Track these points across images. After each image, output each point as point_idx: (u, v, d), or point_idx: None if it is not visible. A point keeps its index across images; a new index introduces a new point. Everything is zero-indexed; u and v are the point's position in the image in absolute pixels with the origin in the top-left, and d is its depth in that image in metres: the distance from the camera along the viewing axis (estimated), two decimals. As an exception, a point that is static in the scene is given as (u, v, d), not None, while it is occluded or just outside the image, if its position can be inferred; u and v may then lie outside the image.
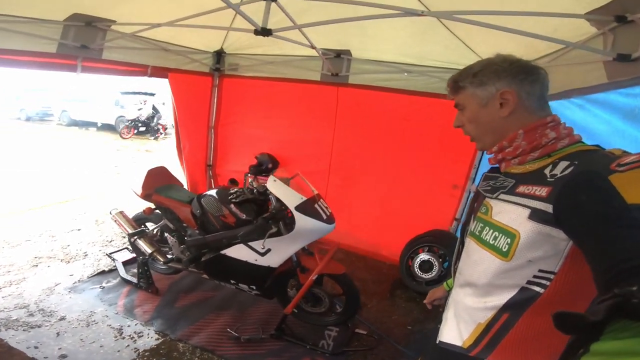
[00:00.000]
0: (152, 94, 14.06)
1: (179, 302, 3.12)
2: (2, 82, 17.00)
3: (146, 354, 2.48)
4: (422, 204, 3.95)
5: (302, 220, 2.46)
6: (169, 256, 3.19)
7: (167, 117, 13.82)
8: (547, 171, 0.88)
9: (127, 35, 3.24)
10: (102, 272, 3.48)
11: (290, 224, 2.52)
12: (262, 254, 2.54)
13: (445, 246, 3.51)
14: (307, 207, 2.52)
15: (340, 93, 4.18)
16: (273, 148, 4.57)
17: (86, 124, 14.33)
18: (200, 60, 4.39)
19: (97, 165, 8.22)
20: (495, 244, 0.93)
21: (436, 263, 3.48)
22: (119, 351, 2.48)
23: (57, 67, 3.00)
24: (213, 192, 2.89)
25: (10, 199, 5.31)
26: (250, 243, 2.58)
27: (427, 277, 3.50)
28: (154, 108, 13.49)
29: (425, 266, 3.52)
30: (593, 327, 0.50)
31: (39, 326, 2.63)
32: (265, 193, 2.71)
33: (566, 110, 2.41)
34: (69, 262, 3.64)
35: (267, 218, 2.50)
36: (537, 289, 0.88)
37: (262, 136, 4.61)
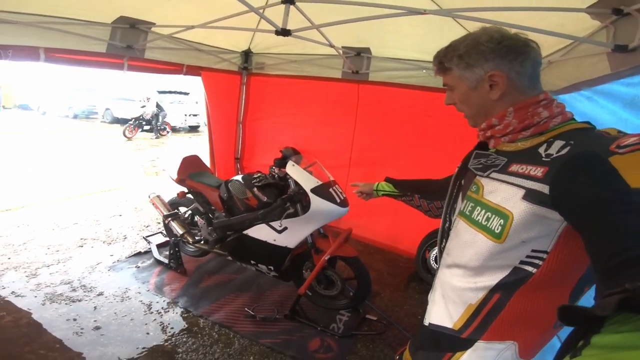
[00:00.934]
0: (187, 93, 14.67)
1: (203, 283, 3.32)
2: (54, 83, 18.22)
3: (170, 327, 2.68)
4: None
5: (317, 202, 2.61)
6: (197, 238, 3.41)
7: (201, 116, 14.37)
8: (541, 150, 0.83)
9: (165, 36, 3.49)
10: (139, 253, 3.75)
11: (306, 206, 2.67)
12: (280, 232, 2.69)
13: None
14: (322, 191, 2.67)
15: (361, 90, 4.26)
16: (297, 143, 4.72)
17: (126, 122, 15.08)
18: (230, 59, 4.60)
19: (135, 158, 8.69)
20: (488, 225, 0.88)
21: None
22: (146, 324, 2.68)
23: (106, 66, 3.27)
24: (239, 177, 3.08)
25: (61, 187, 5.75)
26: (270, 223, 2.74)
27: (441, 267, 3.52)
28: (157, 106, 12.79)
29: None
30: (596, 320, 0.47)
31: (80, 300, 2.88)
32: (285, 178, 2.87)
33: (576, 103, 2.41)
34: (110, 243, 3.94)
35: (286, 199, 2.69)
36: (530, 268, 0.84)
37: (286, 131, 4.78)
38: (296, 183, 2.71)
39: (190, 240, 3.35)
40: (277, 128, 4.86)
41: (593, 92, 2.26)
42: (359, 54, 4.04)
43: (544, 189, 0.77)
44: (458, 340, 0.97)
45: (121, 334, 2.56)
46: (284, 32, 2.56)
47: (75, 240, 3.94)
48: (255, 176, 2.97)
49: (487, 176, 0.94)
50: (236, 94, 4.92)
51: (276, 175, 2.93)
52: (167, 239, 4.02)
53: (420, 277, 3.70)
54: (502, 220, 0.84)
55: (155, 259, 3.62)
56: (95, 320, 2.67)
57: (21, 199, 4.94)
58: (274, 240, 2.79)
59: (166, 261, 3.53)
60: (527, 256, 0.84)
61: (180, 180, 3.40)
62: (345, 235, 2.81)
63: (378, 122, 4.26)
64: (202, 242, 3.38)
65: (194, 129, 14.83)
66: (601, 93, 2.12)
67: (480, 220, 0.91)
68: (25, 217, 4.41)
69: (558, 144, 0.81)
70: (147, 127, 12.59)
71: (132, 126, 12.08)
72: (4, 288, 2.92)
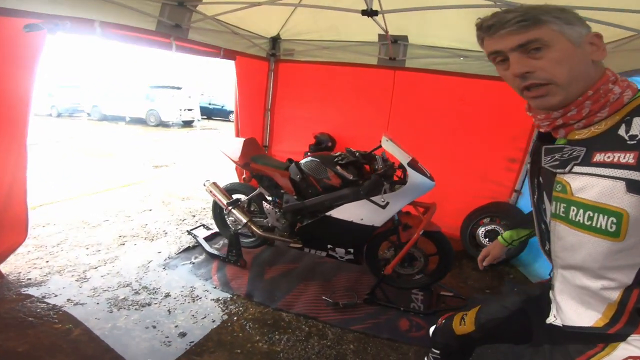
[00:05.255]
0: (179, 88, 13.56)
1: (267, 275, 2.87)
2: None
3: (255, 325, 2.24)
4: (479, 179, 3.72)
5: (414, 176, 2.29)
6: (263, 226, 2.96)
7: (195, 110, 13.39)
8: (622, 132, 0.70)
9: (208, 17, 2.95)
10: (188, 249, 3.20)
11: (394, 183, 2.38)
12: (383, 207, 2.32)
13: (507, 217, 3.31)
14: (416, 165, 2.36)
15: (397, 76, 3.91)
16: (328, 129, 4.28)
17: (115, 119, 13.79)
18: (260, 44, 4.07)
19: (140, 154, 7.83)
20: (594, 225, 0.72)
21: (502, 231, 3.26)
22: (229, 325, 2.22)
23: (155, 44, 2.79)
24: (312, 158, 2.65)
25: (76, 184, 4.96)
26: (372, 198, 2.36)
27: (493, 244, 3.28)
28: None
29: (492, 235, 3.30)
30: None
31: (149, 304, 2.36)
32: (367, 156, 2.54)
33: None
34: (152, 240, 3.36)
35: (381, 174, 2.33)
36: None
37: (317, 118, 4.31)
38: (384, 160, 2.40)
39: (256, 228, 2.87)
40: (306, 115, 4.38)
41: None
42: (396, 42, 3.70)
43: None
44: (605, 336, 0.79)
45: (210, 338, 2.08)
46: (372, 12, 2.32)
47: (113, 238, 3.32)
48: (336, 155, 2.56)
49: (570, 172, 0.77)
50: (264, 81, 4.39)
51: (357, 153, 2.54)
52: (211, 231, 3.52)
53: (469, 255, 3.43)
54: (613, 218, 0.69)
55: (209, 252, 3.10)
56: (176, 326, 2.17)
57: (38, 197, 4.15)
58: (361, 219, 2.41)
59: (220, 254, 3.04)
60: None
61: (244, 164, 2.90)
62: (434, 209, 2.48)
63: (413, 108, 3.94)
64: (268, 230, 2.93)
65: (188, 123, 13.68)
66: None
67: (581, 221, 0.74)
68: (48, 216, 3.69)
69: (638, 121, 0.69)
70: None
71: None
72: (56, 296, 2.32)
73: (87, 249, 3.06)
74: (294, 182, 2.66)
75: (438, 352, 1.35)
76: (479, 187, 3.70)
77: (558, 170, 0.80)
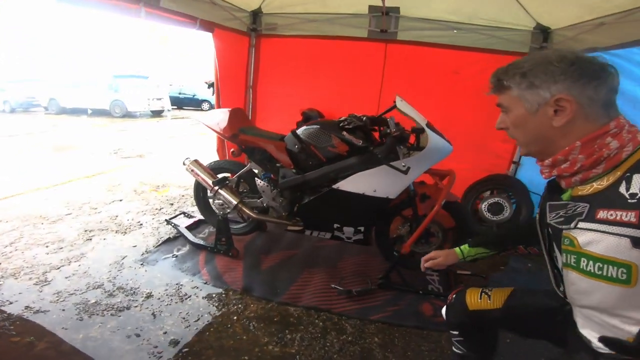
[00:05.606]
0: (146, 77, 12.63)
1: (263, 264, 2.53)
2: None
3: (260, 324, 1.90)
4: (476, 152, 3.57)
5: (434, 139, 2.02)
6: (256, 207, 2.60)
7: (165, 100, 12.55)
8: (622, 190, 0.71)
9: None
10: (168, 240, 2.80)
11: (409, 149, 2.13)
12: (405, 172, 2.01)
13: (509, 187, 3.20)
14: (433, 127, 2.09)
15: (389, 49, 3.66)
16: (316, 105, 3.97)
17: (76, 111, 12.67)
18: (241, 18, 3.68)
19: (106, 145, 7.13)
20: (605, 274, 0.73)
21: (506, 204, 3.11)
22: (230, 326, 1.87)
23: (122, 10, 2.46)
24: (311, 125, 2.32)
25: (30, 178, 4.34)
26: (392, 163, 2.04)
27: (498, 219, 3.13)
28: None
29: (495, 208, 3.15)
30: None
31: (128, 308, 1.97)
32: (377, 120, 2.25)
33: (636, 56, 2.34)
34: (125, 233, 2.92)
35: (397, 137, 2.02)
36: None
37: (304, 95, 3.97)
38: (397, 124, 2.10)
39: (248, 211, 2.50)
40: (292, 92, 4.02)
41: None
42: (387, 14, 3.45)
43: None
44: None
45: (208, 344, 1.74)
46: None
47: (78, 233, 2.86)
48: (340, 119, 2.24)
49: (575, 227, 0.78)
50: (244, 57, 3.98)
51: (364, 117, 2.23)
52: (194, 219, 3.13)
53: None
54: (623, 269, 0.71)
55: (193, 243, 2.72)
56: (165, 332, 1.80)
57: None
58: (374, 191, 2.11)
59: (206, 244, 2.67)
60: None
61: (231, 136, 2.50)
62: (453, 176, 2.22)
63: (406, 82, 3.70)
64: (261, 212, 2.57)
65: (157, 113, 12.73)
66: None
67: (592, 271, 0.75)
68: (-2, 213, 3.15)
69: (637, 179, 0.70)
70: None
71: None
72: (12, 303, 1.90)
73: (46, 247, 2.60)
74: (292, 154, 2.32)
75: (457, 332, 1.29)
76: (477, 161, 3.55)
77: (563, 227, 0.81)
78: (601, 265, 0.73)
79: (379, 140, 2.32)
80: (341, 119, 2.25)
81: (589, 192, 0.77)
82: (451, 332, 1.34)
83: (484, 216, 3.18)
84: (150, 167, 5.21)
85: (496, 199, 3.15)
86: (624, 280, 0.71)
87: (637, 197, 0.69)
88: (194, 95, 15.21)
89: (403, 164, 1.98)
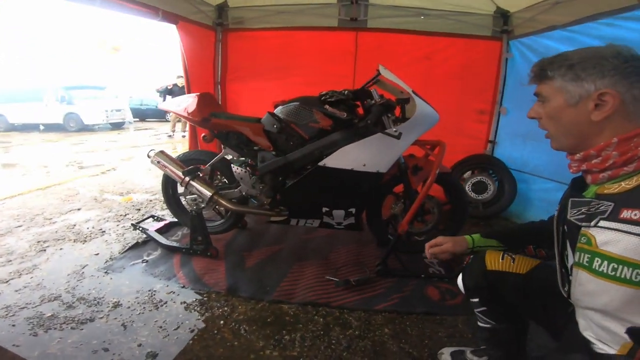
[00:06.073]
0: (102, 88, 11.81)
1: (248, 262, 2.30)
2: None
3: (253, 327, 1.66)
4: (453, 134, 3.52)
5: (422, 105, 1.94)
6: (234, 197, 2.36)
7: (125, 111, 11.80)
8: None
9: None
10: (136, 245, 2.49)
11: (396, 120, 2.02)
12: (397, 137, 1.81)
13: (489, 165, 3.22)
14: (418, 95, 1.99)
15: (360, 38, 3.60)
16: (290, 97, 3.81)
17: (27, 128, 11.59)
18: (206, 11, 3.48)
19: (61, 158, 6.48)
20: (618, 275, 0.71)
21: (489, 182, 3.10)
22: (217, 332, 1.62)
23: None
24: (289, 103, 2.16)
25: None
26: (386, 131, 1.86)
27: (483, 198, 3.10)
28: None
29: (479, 187, 3.13)
30: None
31: (91, 320, 1.67)
32: (360, 93, 2.10)
33: (593, 31, 2.39)
34: (84, 241, 2.56)
35: (385, 105, 1.90)
36: None
37: (277, 88, 3.76)
38: (380, 95, 2.00)
39: (225, 202, 2.26)
40: (264, 86, 3.82)
41: (614, 18, 2.22)
42: (357, 2, 3.42)
43: None
44: None
45: (195, 356, 1.48)
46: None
47: (30, 245, 2.48)
48: (322, 93, 2.08)
49: (596, 225, 0.75)
50: (211, 52, 3.75)
51: (346, 91, 2.08)
52: (164, 222, 2.83)
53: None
54: (638, 271, 0.68)
55: (165, 245, 2.43)
56: (139, 345, 1.52)
57: None
58: (364, 165, 1.96)
59: (180, 245, 2.40)
60: None
61: (202, 120, 2.24)
62: (443, 146, 2.12)
63: None
64: (240, 202, 2.34)
65: (118, 126, 11.81)
66: (625, 18, 2.10)
67: (605, 271, 0.73)
68: None
69: None
70: None
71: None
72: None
73: (-9, 261, 2.21)
74: (271, 135, 2.12)
75: (477, 300, 1.20)
76: (455, 143, 3.48)
77: (583, 224, 0.79)
78: (616, 266, 0.71)
79: (363, 114, 2.18)
80: (322, 92, 2.09)
81: (616, 191, 0.75)
82: (471, 300, 1.21)
83: (469, 196, 3.14)
84: (112, 176, 4.77)
85: (478, 177, 3.14)
86: (637, 282, 0.69)
87: None
88: (157, 106, 14.49)
89: (394, 130, 1.83)
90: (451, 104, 3.55)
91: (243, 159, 2.26)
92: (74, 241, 2.56)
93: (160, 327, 1.65)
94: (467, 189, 3.14)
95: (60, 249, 2.44)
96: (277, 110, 2.15)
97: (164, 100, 9.12)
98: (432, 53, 3.53)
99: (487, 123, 3.52)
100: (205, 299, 1.90)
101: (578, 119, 0.79)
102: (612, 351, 0.78)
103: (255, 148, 2.20)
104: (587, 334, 0.84)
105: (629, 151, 0.74)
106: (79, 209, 3.27)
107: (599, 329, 0.80)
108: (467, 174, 3.25)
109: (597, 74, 0.75)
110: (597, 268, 0.75)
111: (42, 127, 11.65)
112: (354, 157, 1.96)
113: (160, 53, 21.58)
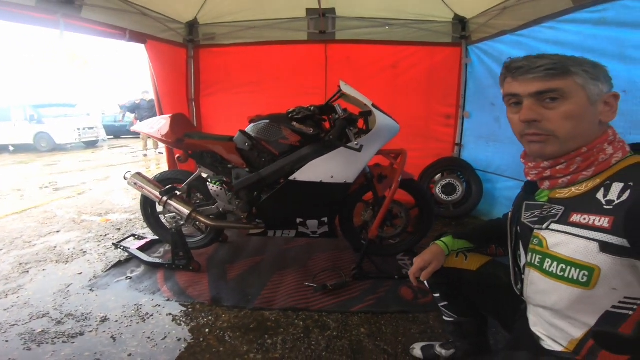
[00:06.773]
0: (73, 105, 11.55)
1: (230, 274, 2.40)
2: None
3: (237, 333, 1.77)
4: (422, 140, 3.78)
5: (382, 118, 2.09)
6: (211, 214, 2.47)
7: (98, 129, 11.58)
8: (599, 196, 0.73)
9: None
10: (119, 263, 2.55)
11: (359, 132, 2.16)
12: (359, 150, 1.97)
13: (457, 167, 3.42)
14: (378, 108, 2.15)
15: (329, 49, 3.79)
16: (264, 111, 3.92)
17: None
18: (176, 29, 3.58)
19: (34, 180, 6.37)
20: (566, 275, 0.76)
21: (458, 183, 3.31)
22: (203, 340, 1.73)
23: (39, 22, 2.26)
24: (259, 122, 2.28)
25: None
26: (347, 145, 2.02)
27: (453, 199, 3.31)
28: None
29: (448, 189, 3.34)
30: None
31: (81, 334, 1.75)
32: (324, 108, 2.23)
33: (539, 34, 2.55)
34: (67, 262, 2.60)
35: (347, 119, 2.03)
36: (625, 311, 0.73)
37: (250, 102, 3.90)
38: (344, 110, 2.13)
39: (203, 218, 2.36)
40: (238, 100, 3.94)
41: (555, 22, 2.42)
42: (324, 15, 3.60)
43: (621, 242, 0.68)
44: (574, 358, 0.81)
45: None
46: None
47: (12, 267, 2.51)
48: (289, 111, 2.21)
49: (547, 228, 0.81)
50: (183, 69, 3.84)
51: (312, 107, 2.21)
52: (145, 240, 2.90)
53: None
54: (585, 272, 0.73)
55: (148, 262, 2.50)
56: (130, 355, 1.61)
57: None
58: (331, 177, 2.11)
59: (163, 261, 2.48)
60: (620, 302, 0.73)
61: (176, 141, 2.34)
62: (404, 154, 2.26)
63: (349, 79, 3.63)
64: (218, 218, 2.45)
65: (91, 144, 11.59)
66: (564, 21, 2.33)
67: (554, 272, 0.78)
68: None
69: (616, 187, 0.71)
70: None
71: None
72: None
73: (-27, 286, 2.23)
74: (243, 153, 2.25)
75: (438, 295, 1.30)
76: (425, 147, 3.75)
77: (536, 227, 0.83)
78: (564, 267, 0.76)
79: (329, 128, 2.34)
80: (289, 110, 2.23)
81: (567, 195, 0.79)
82: (434, 296, 1.32)
83: (440, 198, 3.35)
84: (89, 197, 4.75)
85: (448, 180, 3.34)
86: (583, 282, 0.73)
87: (614, 204, 0.70)
88: (117, 123, 14.20)
89: (356, 143, 1.99)
90: (419, 109, 3.77)
91: (218, 177, 2.37)
92: (56, 262, 2.60)
93: (149, 337, 1.74)
94: (437, 191, 3.34)
95: (43, 269, 2.47)
96: (249, 129, 2.27)
97: (124, 115, 9.15)
98: (397, 61, 3.73)
99: (452, 127, 3.74)
100: (190, 310, 2.00)
101: (593, 119, 0.77)
102: (559, 348, 0.82)
103: (229, 166, 2.32)
104: (537, 329, 0.89)
105: (592, 157, 0.77)
106: (58, 231, 3.29)
107: (549, 326, 0.85)
108: (437, 177, 3.45)
109: (602, 77, 0.77)
110: (547, 268, 0.80)
111: (11, 148, 11.28)
112: (322, 170, 2.11)
113: (128, 66, 21.22)
